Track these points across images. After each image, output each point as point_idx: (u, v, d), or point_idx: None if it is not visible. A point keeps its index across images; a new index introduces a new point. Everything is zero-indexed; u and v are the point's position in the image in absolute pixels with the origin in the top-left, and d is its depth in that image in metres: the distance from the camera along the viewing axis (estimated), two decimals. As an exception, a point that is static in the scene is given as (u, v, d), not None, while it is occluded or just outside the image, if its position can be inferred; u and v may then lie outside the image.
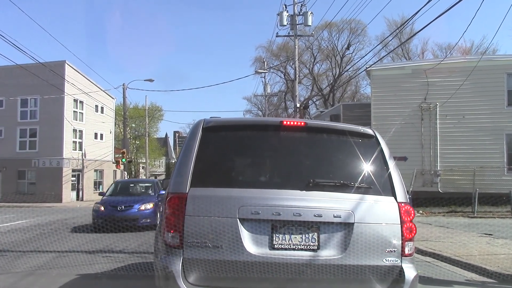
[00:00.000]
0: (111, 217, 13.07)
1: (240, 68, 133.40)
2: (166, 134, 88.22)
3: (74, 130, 36.55)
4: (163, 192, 12.54)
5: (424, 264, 7.92)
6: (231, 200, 3.49)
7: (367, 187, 3.70)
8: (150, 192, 15.49)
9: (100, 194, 16.52)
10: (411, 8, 77.85)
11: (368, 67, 22.32)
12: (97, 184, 39.53)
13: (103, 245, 10.37)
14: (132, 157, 53.72)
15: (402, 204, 3.68)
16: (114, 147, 40.93)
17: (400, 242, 3.58)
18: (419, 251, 8.70)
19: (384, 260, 3.53)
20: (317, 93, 51.79)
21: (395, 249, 3.56)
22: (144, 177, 46.96)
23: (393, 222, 3.61)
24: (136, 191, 16.10)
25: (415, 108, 20.56)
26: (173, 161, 71.07)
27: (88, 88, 34.90)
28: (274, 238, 3.47)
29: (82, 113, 37.79)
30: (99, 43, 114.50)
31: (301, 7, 23.64)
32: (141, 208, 13.54)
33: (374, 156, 3.88)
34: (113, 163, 36.74)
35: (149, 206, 13.69)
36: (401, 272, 3.54)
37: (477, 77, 18.95)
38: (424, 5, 10.17)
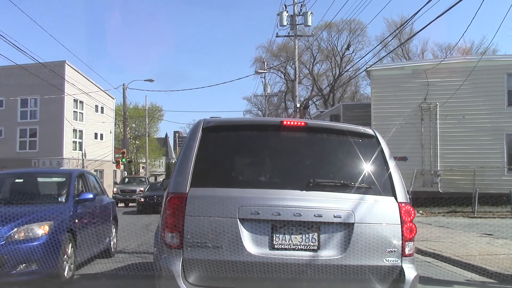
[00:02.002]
0: None
1: (240, 68, 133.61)
2: (166, 134, 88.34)
3: (74, 130, 36.53)
4: (90, 195, 7.46)
5: (424, 264, 7.91)
6: (231, 200, 3.48)
7: (367, 187, 3.69)
8: (59, 196, 7.20)
9: None
10: (410, 8, 77.81)
11: (368, 67, 22.32)
12: (97, 184, 39.25)
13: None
14: (132, 157, 53.79)
15: (403, 204, 3.67)
16: (114, 147, 40.92)
17: (401, 242, 3.58)
18: (419, 251, 8.69)
19: (384, 260, 3.53)
20: (317, 93, 51.80)
21: (396, 249, 3.56)
22: (140, 175, 39.82)
23: (393, 222, 3.61)
24: (29, 193, 7.30)
25: (415, 108, 20.53)
26: (173, 161, 71.05)
27: (88, 88, 34.87)
28: (274, 238, 3.47)
29: (82, 113, 37.77)
30: (99, 43, 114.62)
31: (301, 7, 23.65)
32: (14, 237, 5.68)
33: (374, 156, 3.88)
34: (113, 163, 36.75)
35: (39, 231, 5.85)
36: (401, 272, 3.54)
37: (477, 77, 18.92)
38: (424, 5, 10.18)
